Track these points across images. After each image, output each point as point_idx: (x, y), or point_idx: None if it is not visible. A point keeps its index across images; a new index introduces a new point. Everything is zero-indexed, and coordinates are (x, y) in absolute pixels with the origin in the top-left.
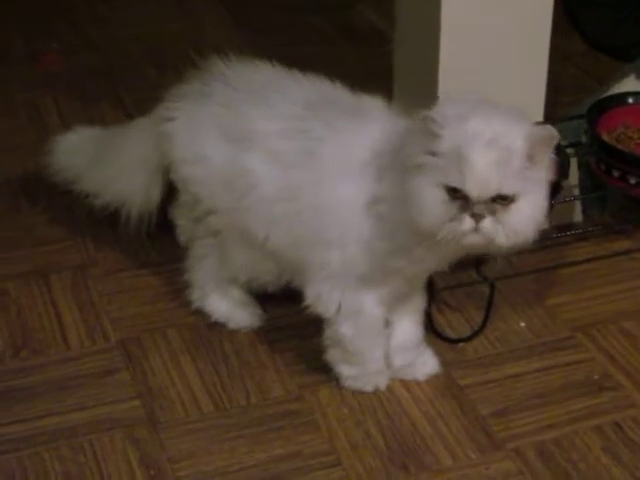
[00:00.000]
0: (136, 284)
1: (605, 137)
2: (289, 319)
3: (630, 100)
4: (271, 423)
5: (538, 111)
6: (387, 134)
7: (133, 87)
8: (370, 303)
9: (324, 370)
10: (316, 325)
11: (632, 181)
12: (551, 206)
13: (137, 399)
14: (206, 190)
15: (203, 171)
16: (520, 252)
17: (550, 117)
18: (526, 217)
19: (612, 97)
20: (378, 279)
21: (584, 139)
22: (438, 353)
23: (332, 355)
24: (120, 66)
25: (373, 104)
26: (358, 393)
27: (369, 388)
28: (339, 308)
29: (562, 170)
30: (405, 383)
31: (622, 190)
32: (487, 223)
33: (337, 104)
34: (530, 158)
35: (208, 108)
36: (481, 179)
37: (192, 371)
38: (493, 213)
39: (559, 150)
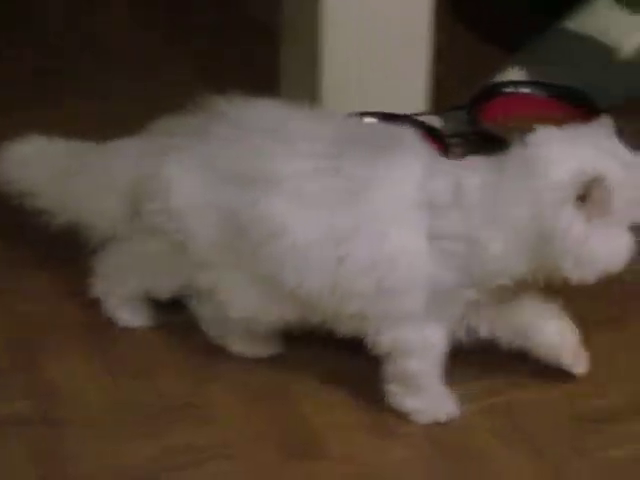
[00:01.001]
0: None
1: (489, 126)
2: (184, 316)
3: (511, 89)
4: (165, 417)
5: (420, 102)
6: (433, 169)
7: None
8: (438, 334)
9: (218, 364)
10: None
11: None
12: None
13: (28, 399)
14: (205, 241)
15: (206, 221)
16: None
17: (435, 108)
18: None
19: (494, 86)
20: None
21: (467, 129)
22: None
23: (395, 391)
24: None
25: (407, 138)
26: (249, 385)
27: (443, 417)
28: (409, 345)
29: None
30: (297, 375)
31: None
32: None
33: (368, 140)
34: None
35: (212, 147)
36: None
37: (84, 368)
38: None
39: (442, 139)
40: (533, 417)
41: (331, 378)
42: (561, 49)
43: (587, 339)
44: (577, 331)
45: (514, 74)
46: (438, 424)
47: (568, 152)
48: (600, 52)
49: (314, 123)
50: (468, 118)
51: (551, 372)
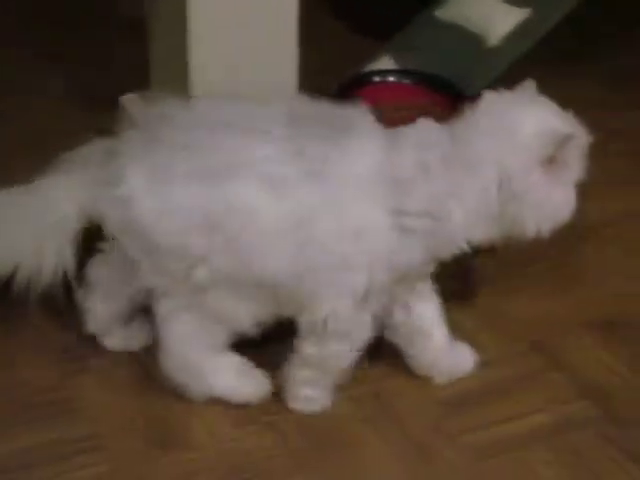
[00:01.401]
0: None
1: None
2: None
3: (378, 78)
4: (34, 410)
5: (290, 92)
6: (389, 146)
7: None
8: (369, 319)
9: (85, 357)
10: (70, 315)
11: None
12: None
13: None
14: (183, 243)
15: (179, 224)
16: None
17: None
18: None
19: (361, 75)
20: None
21: None
22: None
23: (298, 377)
24: None
25: (360, 116)
26: (116, 377)
27: (318, 408)
28: (345, 324)
29: None
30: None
31: None
32: None
33: (322, 120)
34: None
35: (165, 153)
36: None
37: None
38: None
39: None
40: (400, 403)
41: None
42: (429, 37)
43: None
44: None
45: (383, 63)
46: (310, 413)
47: (529, 114)
48: (467, 40)
49: (263, 110)
50: None
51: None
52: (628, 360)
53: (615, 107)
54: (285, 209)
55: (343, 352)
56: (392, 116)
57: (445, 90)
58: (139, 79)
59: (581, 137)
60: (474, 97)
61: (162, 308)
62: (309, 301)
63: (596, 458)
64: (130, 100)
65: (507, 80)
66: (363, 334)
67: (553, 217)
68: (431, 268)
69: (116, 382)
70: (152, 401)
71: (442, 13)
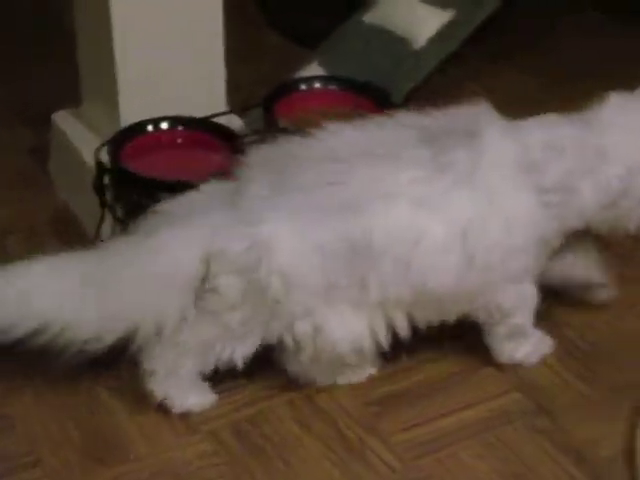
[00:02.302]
0: None
1: (283, 122)
2: None
3: (306, 85)
4: None
5: (220, 102)
6: (519, 136)
7: None
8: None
9: (26, 374)
10: None
11: None
12: None
13: None
14: (309, 287)
15: (310, 266)
16: None
17: (239, 107)
18: None
19: (289, 83)
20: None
21: (263, 126)
22: None
23: (505, 348)
24: None
25: (479, 115)
26: (57, 393)
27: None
28: (524, 300)
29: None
30: (102, 380)
31: None
32: None
33: (447, 130)
34: None
35: (304, 191)
36: None
37: None
38: None
39: (234, 137)
40: (334, 405)
41: (135, 380)
42: (357, 43)
43: None
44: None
45: (312, 70)
46: (247, 419)
47: None
48: (394, 43)
49: (389, 134)
50: (264, 115)
51: None
52: (559, 353)
53: (547, 105)
54: (447, 223)
55: (527, 321)
56: (319, 121)
57: (370, 95)
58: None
59: None
60: (400, 100)
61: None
62: (479, 296)
63: (528, 450)
64: (61, 117)
65: (435, 81)
66: (534, 300)
67: None
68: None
69: (53, 398)
70: (94, 416)
71: (368, 18)
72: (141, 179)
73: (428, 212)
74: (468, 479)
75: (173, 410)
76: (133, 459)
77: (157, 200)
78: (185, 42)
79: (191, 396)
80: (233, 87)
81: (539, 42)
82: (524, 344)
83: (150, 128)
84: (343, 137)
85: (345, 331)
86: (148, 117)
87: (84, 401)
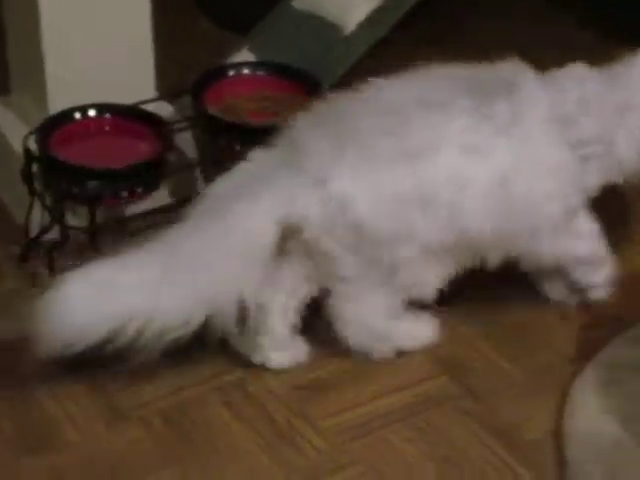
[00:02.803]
0: None
1: (212, 109)
2: None
3: (235, 71)
4: None
5: (149, 90)
6: (553, 91)
7: None
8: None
9: None
10: None
11: (238, 148)
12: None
13: None
14: (401, 226)
15: (396, 208)
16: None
17: (174, 94)
18: None
19: (217, 69)
20: None
21: (192, 112)
22: None
23: (579, 275)
24: None
25: (517, 72)
26: None
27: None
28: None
29: (167, 144)
30: (44, 371)
31: (233, 158)
32: None
33: (491, 83)
34: None
35: (362, 143)
36: None
37: None
38: None
39: (162, 124)
40: (263, 391)
41: (69, 370)
42: (287, 28)
43: None
44: None
45: (243, 56)
46: (177, 406)
47: None
48: (324, 30)
49: (439, 83)
50: (193, 102)
51: None
52: (485, 335)
53: None
54: (489, 169)
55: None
56: (249, 106)
57: (300, 80)
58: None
59: None
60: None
61: (348, 289)
62: (521, 242)
63: (456, 433)
64: None
65: (365, 66)
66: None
67: None
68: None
69: None
70: (24, 406)
71: (298, 4)
72: (69, 167)
73: (473, 159)
74: (397, 462)
75: (285, 366)
76: (62, 449)
77: (85, 188)
78: (112, 29)
79: (292, 352)
80: (164, 74)
81: (468, 27)
82: (600, 270)
83: (78, 116)
84: (394, 89)
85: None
86: (77, 105)
87: (16, 391)
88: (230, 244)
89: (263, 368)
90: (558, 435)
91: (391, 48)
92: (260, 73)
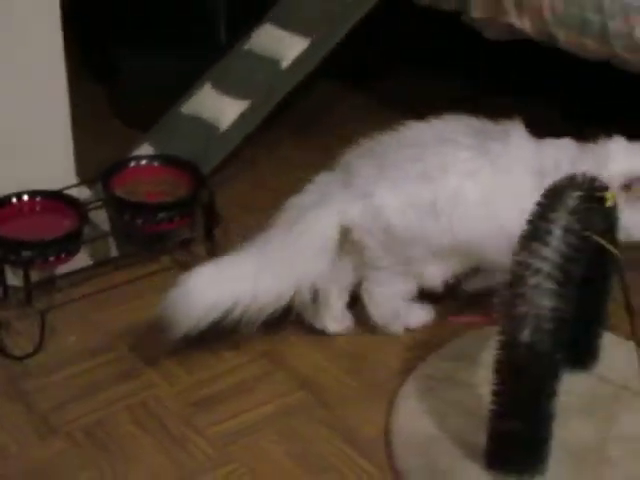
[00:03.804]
0: None
1: (119, 192)
2: None
3: (135, 162)
4: None
5: (72, 178)
6: (537, 144)
7: None
8: None
9: None
10: None
11: (139, 221)
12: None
13: None
14: (420, 231)
15: (417, 217)
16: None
17: (91, 180)
18: None
19: (122, 161)
20: None
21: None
22: (5, 366)
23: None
24: None
25: (512, 127)
26: None
27: None
28: None
29: (84, 219)
30: None
31: (136, 229)
32: None
33: (490, 130)
34: None
35: (395, 167)
36: None
37: None
38: None
39: (80, 204)
40: (161, 408)
41: (7, 383)
42: (176, 127)
43: None
44: None
45: (144, 149)
46: (95, 422)
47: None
48: (204, 129)
49: (454, 127)
50: (103, 187)
51: (173, 369)
52: (332, 357)
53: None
54: (480, 190)
55: None
56: (149, 190)
57: (185, 167)
58: None
59: None
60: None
61: (377, 277)
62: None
63: (313, 437)
64: None
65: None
66: None
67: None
68: None
69: None
70: None
71: (185, 108)
72: (8, 240)
73: (469, 183)
74: (266, 461)
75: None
76: (7, 459)
77: (20, 255)
78: (36, 132)
79: (413, 317)
80: (84, 164)
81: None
82: None
83: (14, 200)
84: (419, 129)
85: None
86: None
87: None
88: (304, 242)
89: (163, 390)
90: (387, 434)
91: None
92: (155, 163)
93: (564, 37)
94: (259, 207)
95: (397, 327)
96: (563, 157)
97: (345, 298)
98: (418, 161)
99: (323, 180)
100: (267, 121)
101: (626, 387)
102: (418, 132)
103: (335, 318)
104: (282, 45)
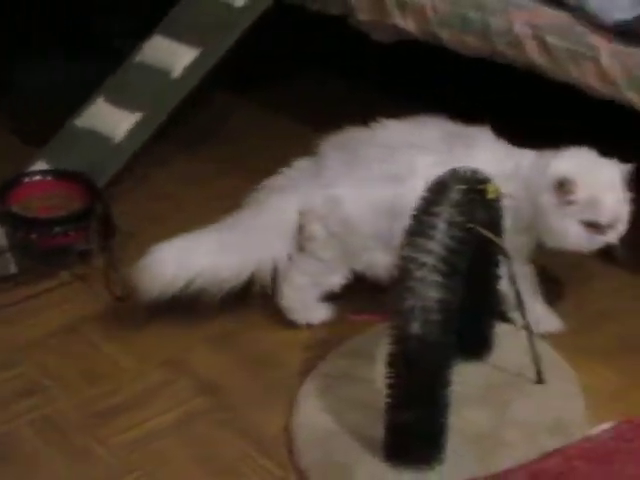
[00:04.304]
0: None
1: (15, 208)
2: None
3: (30, 177)
4: None
5: None
6: (501, 150)
7: None
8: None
9: None
10: None
11: (34, 236)
12: None
13: None
14: (374, 229)
15: (374, 214)
16: None
17: None
18: (625, 220)
19: (17, 177)
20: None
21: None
22: None
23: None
24: None
25: (479, 131)
26: None
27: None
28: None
29: None
30: None
31: (32, 244)
32: (611, 235)
33: (457, 134)
34: (624, 186)
35: (361, 164)
36: (612, 212)
37: None
38: (613, 227)
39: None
40: (63, 419)
41: None
42: (71, 143)
43: None
44: None
45: (39, 165)
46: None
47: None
48: (99, 141)
49: (422, 130)
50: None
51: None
52: (234, 361)
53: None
54: None
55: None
56: (43, 204)
57: (80, 182)
58: None
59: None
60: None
61: (306, 266)
62: None
63: (216, 441)
64: None
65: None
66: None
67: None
68: None
69: None
70: None
71: (80, 122)
72: None
73: None
74: (169, 466)
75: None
76: None
77: None
78: None
79: (317, 314)
80: None
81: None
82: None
83: None
84: (393, 129)
85: (381, 265)
86: None
87: None
88: (265, 223)
89: (63, 402)
90: (288, 431)
91: (151, 151)
92: (48, 178)
93: (447, 36)
94: (156, 218)
95: (301, 319)
96: (523, 162)
97: (320, 289)
98: (385, 162)
99: (298, 166)
100: (161, 135)
101: (520, 374)
102: (390, 132)
103: (308, 309)
104: (172, 55)
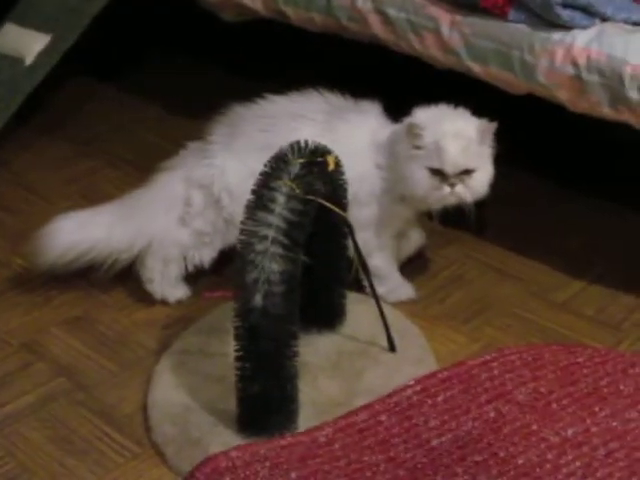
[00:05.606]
0: None
1: None
2: None
3: None
4: None
5: None
6: (379, 124)
7: None
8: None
9: None
10: None
11: None
12: None
13: None
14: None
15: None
16: None
17: None
18: (482, 181)
19: None
20: (388, 223)
21: None
22: None
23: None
24: None
25: (366, 105)
26: None
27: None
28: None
29: None
30: None
31: None
32: (459, 188)
33: (343, 107)
34: (480, 142)
35: (244, 135)
36: (454, 161)
37: None
38: (462, 181)
39: None
40: None
41: None
42: None
43: None
44: None
45: None
46: None
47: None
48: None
49: (307, 102)
50: None
51: None
52: (91, 343)
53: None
54: None
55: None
56: None
57: None
58: None
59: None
60: None
61: (177, 237)
62: None
63: (72, 419)
64: None
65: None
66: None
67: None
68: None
69: None
70: None
71: None
72: None
73: None
74: (28, 448)
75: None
76: None
77: None
78: None
79: (176, 292)
80: None
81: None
82: (381, 285)
83: None
84: (277, 102)
85: None
86: None
87: None
88: (153, 199)
89: None
90: (145, 409)
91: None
92: None
93: (293, 13)
94: (16, 206)
95: (158, 293)
96: (398, 136)
97: (186, 265)
98: (266, 132)
99: (190, 146)
100: (19, 123)
101: (372, 343)
102: (274, 105)
103: (168, 285)
104: (24, 43)
